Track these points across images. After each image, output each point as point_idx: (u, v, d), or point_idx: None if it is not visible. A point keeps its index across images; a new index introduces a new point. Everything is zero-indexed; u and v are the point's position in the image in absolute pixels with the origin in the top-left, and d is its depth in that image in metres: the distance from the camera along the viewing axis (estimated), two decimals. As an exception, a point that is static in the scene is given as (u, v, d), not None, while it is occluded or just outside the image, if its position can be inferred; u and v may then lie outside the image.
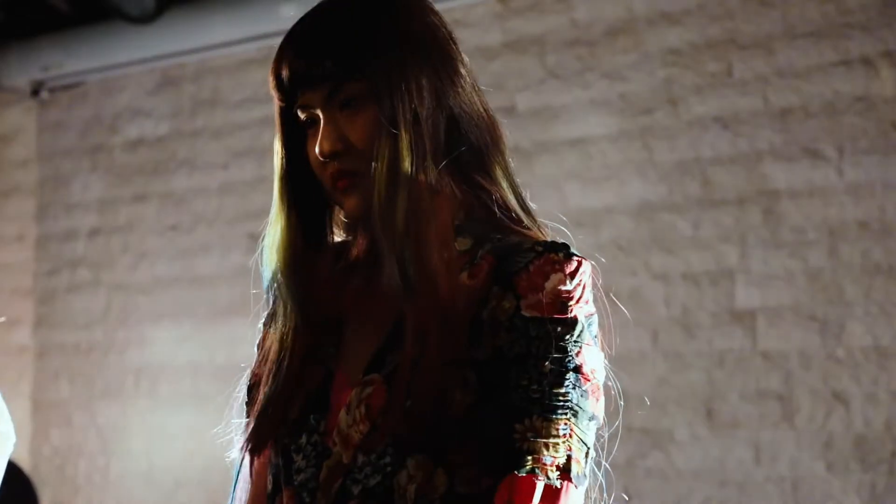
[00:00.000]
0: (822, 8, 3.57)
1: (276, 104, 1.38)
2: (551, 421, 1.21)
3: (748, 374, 3.55)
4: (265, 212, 1.41)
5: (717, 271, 3.65)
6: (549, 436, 1.21)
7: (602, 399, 1.26)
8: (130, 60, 4.96)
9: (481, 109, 1.38)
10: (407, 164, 1.29)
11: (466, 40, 4.95)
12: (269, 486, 1.35)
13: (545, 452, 1.20)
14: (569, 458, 1.21)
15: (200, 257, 4.86)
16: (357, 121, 1.31)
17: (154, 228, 5.01)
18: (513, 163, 1.40)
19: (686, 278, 3.70)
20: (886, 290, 3.39)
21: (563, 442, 1.21)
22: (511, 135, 4.62)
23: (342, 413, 1.27)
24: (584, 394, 1.23)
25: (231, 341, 4.60)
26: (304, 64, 1.32)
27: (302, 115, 1.35)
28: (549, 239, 1.32)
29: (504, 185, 1.38)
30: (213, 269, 4.80)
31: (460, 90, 1.37)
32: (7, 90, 5.28)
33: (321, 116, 1.32)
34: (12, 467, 4.06)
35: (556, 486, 1.20)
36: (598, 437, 1.27)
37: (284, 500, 1.30)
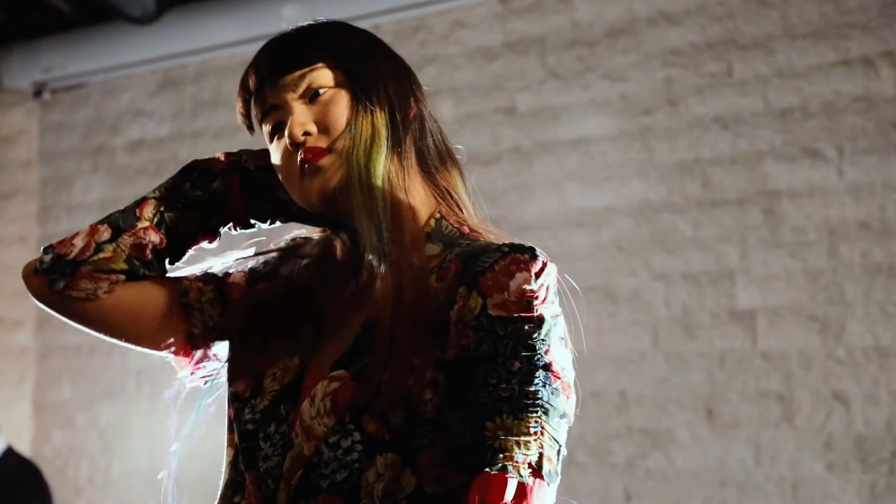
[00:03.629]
0: (822, 8, 3.57)
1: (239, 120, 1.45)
2: (522, 419, 1.21)
3: (748, 374, 3.55)
4: None
5: (718, 271, 3.64)
6: (520, 434, 1.20)
7: (573, 397, 1.27)
8: (132, 61, 4.97)
9: (438, 123, 1.45)
10: (384, 139, 1.35)
11: (467, 41, 5.01)
12: (236, 465, 1.37)
13: (517, 450, 1.20)
14: (540, 455, 1.21)
15: (202, 258, 4.84)
16: (329, 105, 1.36)
17: (156, 229, 4.99)
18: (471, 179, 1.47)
19: (686, 278, 3.70)
20: (887, 290, 3.39)
21: (535, 440, 1.21)
22: (511, 135, 4.67)
23: (305, 404, 1.29)
24: (554, 391, 1.23)
25: (232, 342, 4.60)
26: (273, 58, 1.37)
27: (267, 127, 1.40)
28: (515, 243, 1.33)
29: (464, 194, 1.44)
30: (215, 271, 4.78)
31: (423, 97, 1.43)
32: (9, 91, 5.29)
33: (291, 107, 1.36)
34: (28, 464, 4.06)
35: (528, 484, 1.20)
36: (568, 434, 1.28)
37: (248, 484, 1.32)
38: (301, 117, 1.35)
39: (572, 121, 3.98)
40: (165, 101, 5.04)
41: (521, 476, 1.20)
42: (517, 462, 1.20)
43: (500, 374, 1.22)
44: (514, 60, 4.11)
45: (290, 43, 1.38)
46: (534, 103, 4.06)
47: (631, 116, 3.86)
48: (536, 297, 1.25)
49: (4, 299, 5.37)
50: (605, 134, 3.91)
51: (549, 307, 1.26)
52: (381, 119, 1.36)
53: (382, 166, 1.33)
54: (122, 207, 1.45)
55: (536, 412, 1.21)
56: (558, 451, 1.23)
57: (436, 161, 1.41)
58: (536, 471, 1.21)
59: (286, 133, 1.36)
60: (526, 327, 1.24)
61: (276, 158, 1.39)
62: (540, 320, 1.24)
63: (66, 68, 5.05)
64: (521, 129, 4.01)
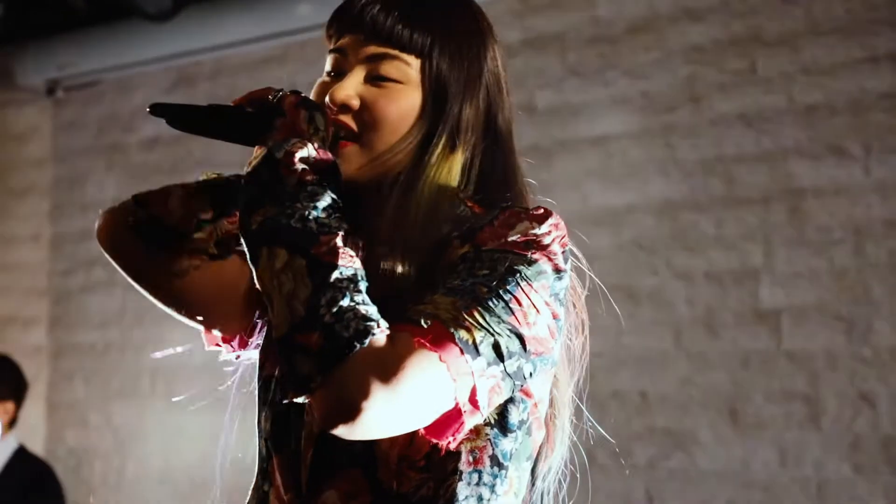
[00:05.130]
0: (848, 3, 3.53)
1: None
2: (455, 300, 1.13)
3: (773, 374, 3.51)
4: None
5: (741, 271, 3.60)
6: (447, 307, 1.12)
7: (534, 352, 1.16)
8: (146, 59, 4.94)
9: (516, 152, 1.37)
10: (454, 185, 1.29)
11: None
12: (262, 451, 1.33)
13: (433, 310, 1.12)
14: (456, 316, 1.11)
15: (216, 257, 4.82)
16: (389, 98, 1.28)
17: (170, 228, 4.96)
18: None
19: (709, 278, 3.66)
20: (914, 290, 3.35)
21: (459, 311, 1.12)
22: (531, 133, 4.63)
23: None
24: (506, 310, 1.14)
25: (248, 341, 4.58)
26: (374, 13, 1.28)
27: (328, 63, 1.33)
28: None
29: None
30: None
31: (507, 123, 1.36)
32: (22, 89, 5.27)
33: (353, 67, 1.30)
34: (40, 463, 4.04)
35: (423, 325, 1.10)
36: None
37: (275, 469, 1.29)
38: (354, 86, 1.29)
39: (593, 118, 3.94)
40: (180, 98, 5.00)
41: (411, 321, 1.11)
42: (427, 314, 1.12)
43: (461, 272, 1.17)
44: (533, 58, 4.07)
45: (401, 7, 1.29)
46: (553, 101, 4.02)
47: (652, 114, 3.82)
48: (539, 242, 1.19)
49: (17, 298, 5.36)
50: (626, 132, 3.87)
51: (551, 256, 1.19)
52: (459, 160, 1.30)
53: (442, 213, 1.26)
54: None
55: (476, 303, 1.13)
56: (492, 343, 1.12)
57: (499, 189, 1.33)
58: (440, 323, 1.11)
59: (330, 90, 1.29)
60: (511, 257, 1.17)
61: (312, 92, 1.33)
62: (532, 260, 1.18)
63: (80, 66, 5.02)
64: (541, 127, 3.98)
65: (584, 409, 1.42)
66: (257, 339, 1.43)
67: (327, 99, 1.28)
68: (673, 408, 3.65)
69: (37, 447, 5.10)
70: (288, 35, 4.55)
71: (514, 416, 1.22)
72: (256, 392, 1.39)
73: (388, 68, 1.28)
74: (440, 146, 1.28)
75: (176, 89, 5.01)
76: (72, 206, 5.30)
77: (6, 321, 5.40)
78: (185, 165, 4.94)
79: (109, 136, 5.22)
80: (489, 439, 1.20)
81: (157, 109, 1.24)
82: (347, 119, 1.28)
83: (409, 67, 1.29)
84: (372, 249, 1.26)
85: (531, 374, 1.18)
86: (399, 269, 1.22)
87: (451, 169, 1.29)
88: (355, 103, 1.28)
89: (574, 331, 1.36)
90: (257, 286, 1.14)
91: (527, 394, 1.23)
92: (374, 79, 1.29)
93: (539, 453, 1.31)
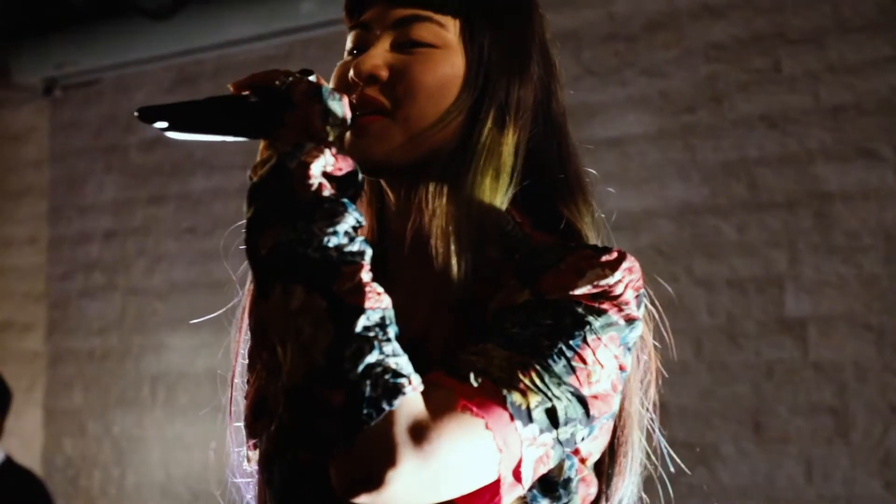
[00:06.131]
0: None
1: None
2: (511, 354, 0.98)
3: (799, 386, 3.38)
4: None
5: (765, 278, 3.47)
6: (501, 364, 0.98)
7: (597, 416, 1.02)
8: (147, 57, 4.83)
9: (572, 141, 1.20)
10: (508, 175, 1.11)
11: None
12: None
13: (479, 365, 0.98)
14: (511, 375, 0.97)
15: (219, 261, 4.70)
16: (427, 58, 1.10)
17: (171, 231, 4.87)
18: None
19: (731, 285, 3.53)
20: (947, 299, 3.23)
21: (514, 369, 0.97)
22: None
23: None
24: (568, 369, 1.00)
25: (251, 348, 4.48)
26: None
27: (350, 41, 1.17)
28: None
29: (587, 220, 1.18)
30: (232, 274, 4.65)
31: (560, 106, 1.19)
32: (19, 88, 5.16)
33: (378, 37, 1.12)
34: (28, 475, 3.92)
35: (473, 385, 0.96)
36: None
37: None
38: (380, 55, 1.11)
39: (609, 119, 3.81)
40: (181, 97, 4.85)
41: (468, 379, 0.96)
42: (476, 369, 0.97)
43: (519, 318, 1.02)
44: (547, 56, 3.94)
45: None
46: (568, 101, 3.85)
47: (672, 114, 3.70)
48: (611, 293, 1.04)
49: (14, 302, 5.26)
50: (644, 133, 3.75)
51: (623, 307, 1.04)
52: (510, 143, 1.12)
53: (495, 210, 1.09)
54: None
55: (534, 361, 0.98)
56: (549, 408, 0.98)
57: (558, 186, 1.16)
58: (490, 382, 0.96)
59: (354, 62, 1.12)
60: (579, 309, 1.02)
61: (334, 74, 1.16)
62: (601, 311, 1.03)
63: (79, 64, 4.92)
64: (555, 127, 3.85)
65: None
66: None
67: (351, 73, 1.11)
68: (694, 420, 3.52)
69: (34, 456, 5.00)
70: (291, 33, 4.46)
71: (558, 474, 1.07)
72: (250, 431, 1.23)
73: (421, 31, 1.11)
74: (489, 123, 1.11)
75: (177, 88, 4.90)
76: (70, 208, 5.21)
77: (2, 326, 5.30)
78: (186, 167, 4.84)
79: (108, 136, 5.12)
80: (526, 502, 1.05)
81: (147, 114, 1.05)
82: (375, 93, 1.10)
83: (444, 30, 1.11)
84: (405, 267, 1.12)
85: (583, 438, 1.04)
86: (444, 295, 1.07)
87: (503, 155, 1.11)
88: (384, 73, 1.10)
89: (643, 374, 1.21)
90: (261, 319, 0.98)
91: (574, 451, 1.08)
92: (404, 45, 1.11)
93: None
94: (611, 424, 1.12)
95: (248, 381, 1.23)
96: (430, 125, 1.10)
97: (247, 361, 1.23)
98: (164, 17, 4.47)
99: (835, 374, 3.34)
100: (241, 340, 1.24)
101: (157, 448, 4.80)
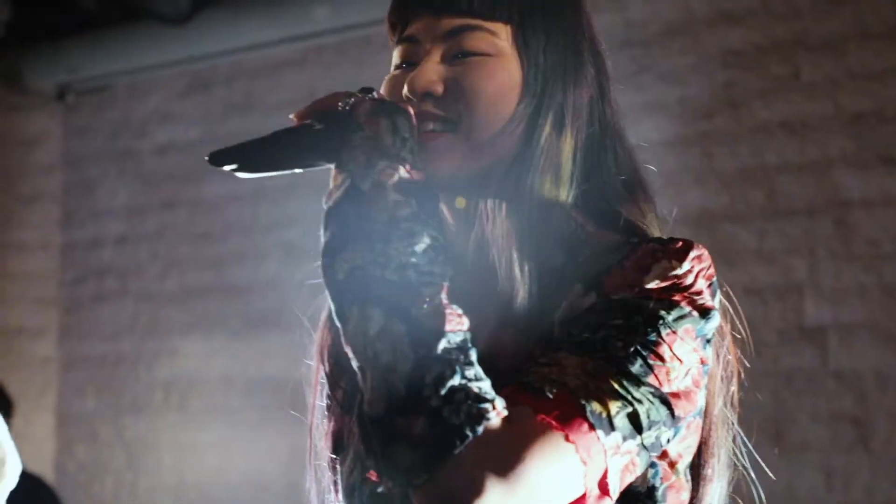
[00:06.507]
0: (899, 6, 3.38)
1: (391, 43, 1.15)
2: (584, 360, 0.95)
3: (819, 395, 3.36)
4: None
5: (784, 286, 3.45)
6: (575, 372, 0.94)
7: (682, 415, 0.98)
8: (160, 63, 4.81)
9: (628, 139, 1.18)
10: (568, 177, 1.09)
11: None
12: None
13: (552, 375, 0.95)
14: (586, 382, 0.94)
15: (232, 266, 4.71)
16: (483, 67, 1.08)
17: (184, 236, 4.85)
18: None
19: (750, 293, 3.50)
20: (968, 307, 3.20)
21: (589, 376, 0.94)
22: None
23: None
24: (645, 369, 0.96)
25: (264, 354, 4.47)
26: None
27: (397, 56, 1.14)
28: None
29: (650, 218, 1.16)
30: (245, 279, 4.64)
31: (614, 105, 1.17)
32: (32, 93, 5.15)
33: (428, 51, 1.10)
34: (37, 482, 3.90)
35: (547, 397, 0.93)
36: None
37: None
38: (434, 70, 1.08)
39: (626, 125, 3.78)
40: (194, 103, 4.88)
41: (542, 392, 0.93)
42: (550, 381, 0.94)
43: (588, 322, 0.99)
44: (563, 61, 3.92)
45: None
46: (585, 107, 3.87)
47: (689, 121, 3.68)
48: (681, 284, 1.01)
49: (26, 307, 5.25)
50: (662, 139, 3.72)
51: (696, 299, 1.01)
52: (569, 146, 1.09)
53: (556, 216, 1.07)
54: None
55: (610, 367, 0.95)
56: (630, 413, 0.94)
57: (621, 191, 1.14)
58: (571, 395, 0.93)
59: (407, 80, 1.09)
60: (651, 304, 0.99)
61: (383, 89, 1.13)
62: (673, 303, 1.00)
63: (92, 69, 4.90)
64: (572, 133, 3.83)
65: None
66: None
67: (405, 90, 1.08)
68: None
69: (46, 461, 4.99)
70: (306, 38, 4.44)
71: (641, 483, 1.04)
72: (335, 460, 1.20)
73: (472, 41, 1.08)
74: (547, 129, 1.08)
75: (190, 94, 4.88)
76: (82, 213, 5.19)
77: (15, 331, 5.28)
78: (199, 172, 4.82)
79: (121, 141, 5.10)
80: None
81: (218, 158, 1.05)
82: (432, 108, 1.08)
83: (496, 38, 1.09)
84: (468, 280, 1.09)
85: (669, 440, 1.00)
86: (509, 309, 1.05)
87: (561, 157, 1.09)
88: (439, 88, 1.08)
89: (722, 372, 1.17)
90: (345, 347, 0.95)
91: (661, 455, 1.04)
92: (456, 57, 1.09)
93: None
94: (699, 422, 1.08)
95: (327, 420, 1.20)
96: (493, 135, 1.08)
97: (325, 403, 1.20)
98: (180, 24, 4.45)
99: (855, 382, 3.31)
100: (318, 383, 1.21)
101: (169, 453, 4.79)
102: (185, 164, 4.87)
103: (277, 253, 4.47)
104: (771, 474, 3.23)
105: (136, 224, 5.01)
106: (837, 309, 3.36)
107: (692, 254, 1.03)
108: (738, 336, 1.21)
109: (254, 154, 1.05)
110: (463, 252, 1.13)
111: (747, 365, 1.20)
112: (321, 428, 1.20)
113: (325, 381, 1.19)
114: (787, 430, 3.40)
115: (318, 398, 1.21)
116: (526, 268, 1.05)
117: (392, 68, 1.15)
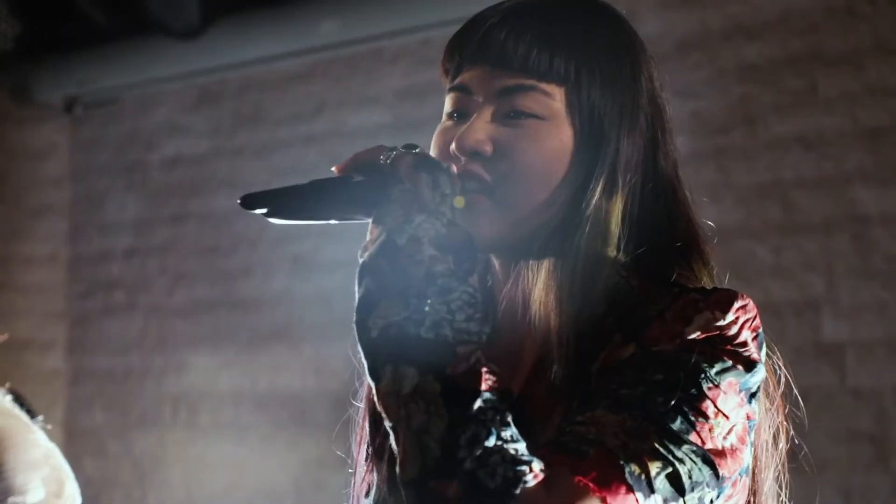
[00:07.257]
0: (917, 20, 3.36)
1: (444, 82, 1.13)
2: (623, 418, 0.92)
3: (836, 412, 3.33)
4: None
5: (802, 302, 3.42)
6: (614, 430, 0.92)
7: (727, 475, 0.95)
8: (168, 75, 4.80)
9: (684, 193, 1.15)
10: (614, 242, 1.06)
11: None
12: None
13: (591, 434, 0.91)
14: (625, 442, 0.90)
15: (241, 280, 4.68)
16: (533, 133, 1.06)
17: (193, 250, 4.83)
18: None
19: (767, 309, 3.45)
20: None
21: (629, 435, 0.91)
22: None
23: None
24: (687, 426, 0.93)
25: (273, 368, 4.45)
26: (505, 34, 1.06)
27: (449, 104, 1.11)
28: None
29: (704, 279, 1.13)
30: (254, 293, 4.62)
31: (671, 157, 1.14)
32: (40, 106, 5.13)
33: (480, 105, 1.07)
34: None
35: (585, 457, 0.90)
36: None
37: None
38: (485, 129, 1.06)
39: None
40: (203, 116, 4.86)
41: (570, 449, 0.90)
42: (583, 440, 0.91)
43: (627, 375, 0.96)
44: (576, 75, 3.90)
45: (534, 27, 1.07)
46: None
47: (704, 135, 3.65)
48: (725, 335, 0.98)
49: (34, 321, 5.22)
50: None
51: (740, 350, 0.98)
52: (618, 209, 1.06)
53: (602, 271, 1.04)
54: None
55: (650, 425, 0.92)
56: (670, 472, 0.91)
57: (668, 254, 1.10)
58: (605, 452, 0.89)
59: (457, 135, 1.07)
60: (693, 358, 0.96)
61: (433, 141, 1.11)
62: (715, 356, 0.97)
63: (100, 82, 4.89)
64: (586, 148, 3.81)
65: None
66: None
67: (453, 146, 1.06)
68: (728, 446, 3.47)
69: (54, 476, 4.96)
70: (315, 52, 4.42)
71: None
72: None
73: (526, 101, 1.06)
74: (598, 192, 1.06)
75: (199, 107, 4.87)
76: (90, 226, 5.17)
77: (23, 345, 5.25)
78: (208, 185, 4.80)
79: (129, 154, 5.08)
80: None
81: (250, 201, 1.04)
82: (479, 168, 1.06)
83: (550, 99, 1.06)
84: (508, 326, 1.07)
85: (713, 501, 0.97)
86: (545, 356, 1.02)
87: (610, 220, 1.06)
88: (488, 148, 1.06)
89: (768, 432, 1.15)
90: (377, 406, 0.93)
91: None
92: (508, 116, 1.06)
93: None
94: (747, 481, 1.06)
95: (366, 469, 1.18)
96: (535, 208, 1.06)
97: (366, 451, 1.18)
98: (189, 38, 4.43)
99: (874, 400, 3.28)
100: (363, 439, 1.18)
101: (178, 468, 4.76)
102: (194, 178, 4.85)
103: (286, 267, 4.45)
104: (787, 497, 3.18)
105: (144, 237, 4.99)
106: (855, 325, 3.33)
107: (736, 304, 1.01)
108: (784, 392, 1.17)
109: (289, 201, 1.04)
110: (504, 298, 1.11)
111: (797, 420, 1.15)
112: (359, 472, 1.18)
113: (368, 429, 1.16)
114: (805, 448, 3.37)
115: (361, 448, 1.18)
116: (564, 320, 1.03)
117: (444, 116, 1.13)
